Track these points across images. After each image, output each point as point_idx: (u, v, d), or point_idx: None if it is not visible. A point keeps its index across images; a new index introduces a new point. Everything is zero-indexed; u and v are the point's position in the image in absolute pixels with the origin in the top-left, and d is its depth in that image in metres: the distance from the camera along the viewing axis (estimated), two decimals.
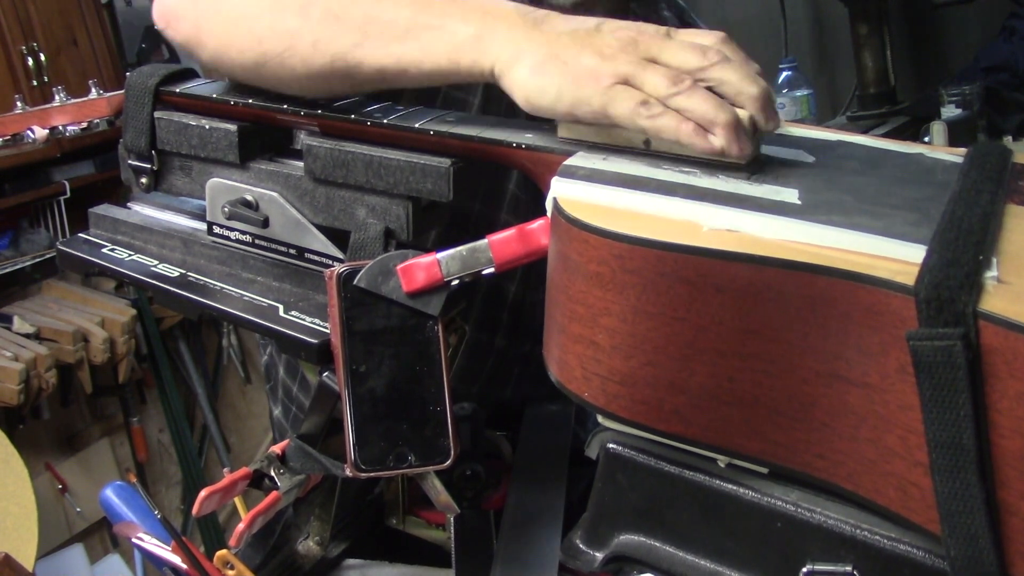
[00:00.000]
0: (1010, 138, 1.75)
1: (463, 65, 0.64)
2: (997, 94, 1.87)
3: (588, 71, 0.59)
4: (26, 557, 1.97)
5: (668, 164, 0.59)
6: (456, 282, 0.60)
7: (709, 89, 0.58)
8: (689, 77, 0.58)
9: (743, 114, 0.58)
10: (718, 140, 0.57)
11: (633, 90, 0.58)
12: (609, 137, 0.62)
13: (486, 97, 0.86)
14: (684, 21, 0.98)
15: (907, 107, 2.04)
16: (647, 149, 0.61)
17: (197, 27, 0.75)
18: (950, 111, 1.82)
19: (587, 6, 0.87)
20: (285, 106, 0.72)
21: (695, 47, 0.60)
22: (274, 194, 0.72)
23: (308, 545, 0.78)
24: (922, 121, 1.71)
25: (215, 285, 0.73)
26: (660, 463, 0.57)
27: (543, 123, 0.65)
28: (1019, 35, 1.98)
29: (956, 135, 1.58)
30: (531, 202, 0.89)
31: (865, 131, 1.78)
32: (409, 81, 0.69)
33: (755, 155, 0.60)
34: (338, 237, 0.71)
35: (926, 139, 1.56)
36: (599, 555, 0.59)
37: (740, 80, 0.59)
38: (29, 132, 0.85)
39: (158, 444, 2.89)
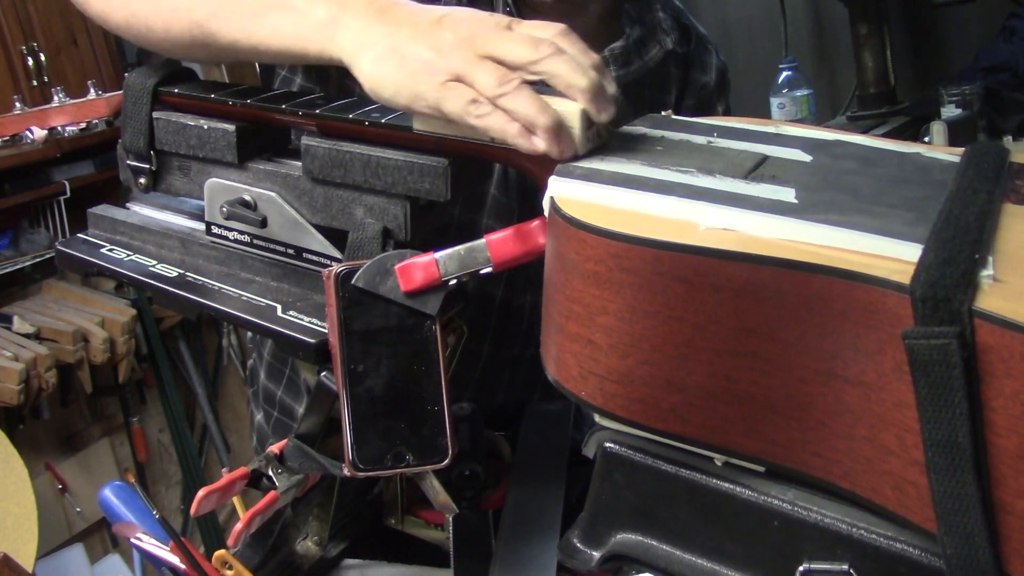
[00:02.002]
0: (1010, 138, 1.74)
1: (311, 50, 0.67)
2: (997, 94, 1.87)
3: (424, 66, 0.61)
4: (26, 557, 1.97)
5: (665, 163, 0.59)
6: (454, 282, 0.60)
7: (541, 83, 0.60)
8: (517, 77, 0.59)
9: (574, 107, 0.59)
10: (540, 142, 0.59)
11: (465, 88, 0.59)
12: (456, 130, 0.63)
13: None
14: (679, 21, 0.98)
15: (907, 107, 2.04)
16: (493, 142, 0.62)
17: None
18: (950, 111, 1.82)
19: (577, 4, 0.87)
20: (283, 106, 0.72)
21: (530, 40, 0.60)
22: (272, 194, 0.72)
23: (307, 545, 0.78)
24: (922, 121, 1.71)
25: (213, 285, 0.73)
26: (657, 462, 0.57)
27: None
28: (1019, 35, 1.97)
29: (956, 135, 1.57)
30: (512, 205, 0.89)
31: (865, 131, 1.78)
32: (262, 58, 0.73)
33: (599, 143, 0.62)
34: (336, 237, 0.71)
35: (926, 139, 1.56)
36: (597, 554, 0.59)
37: (570, 72, 0.59)
38: (28, 132, 0.85)
39: (158, 444, 2.89)
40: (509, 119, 0.59)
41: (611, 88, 0.61)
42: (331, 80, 0.88)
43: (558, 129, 0.59)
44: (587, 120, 0.60)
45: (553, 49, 0.60)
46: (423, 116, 0.64)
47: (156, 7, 0.75)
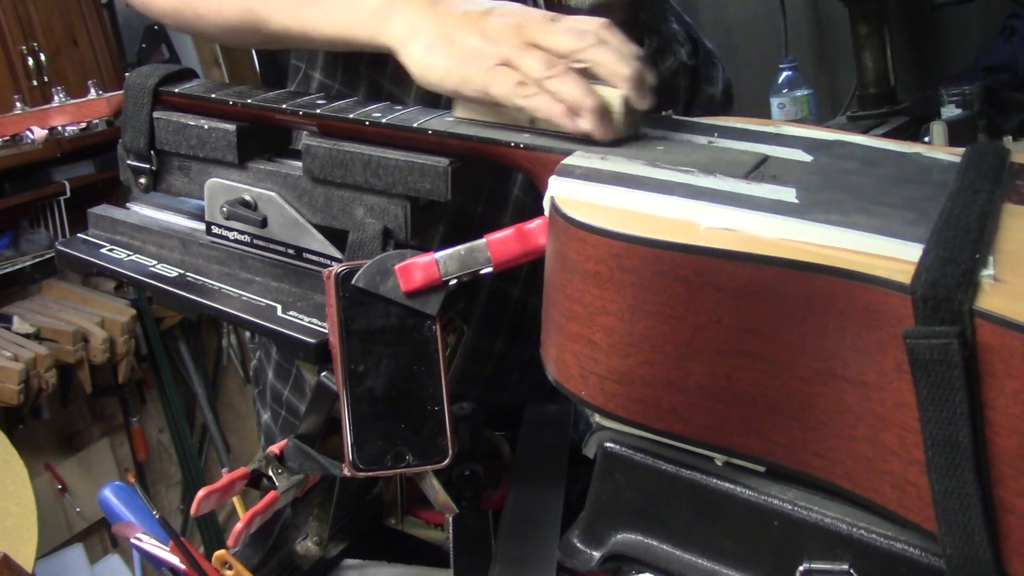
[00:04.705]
0: (1010, 138, 1.74)
1: (361, 37, 0.70)
2: (997, 94, 1.87)
3: (473, 52, 0.64)
4: (26, 557, 1.97)
5: (666, 163, 0.59)
6: (454, 282, 0.60)
7: (585, 71, 0.63)
8: (563, 62, 0.62)
9: (617, 94, 0.63)
10: (584, 123, 0.62)
11: (512, 71, 0.62)
12: (497, 116, 0.66)
13: (420, 97, 0.88)
14: (691, 36, 0.98)
15: (907, 107, 2.04)
16: (532, 127, 0.65)
17: None
18: (950, 111, 1.82)
19: (602, 12, 0.87)
20: (284, 106, 0.72)
21: (574, 31, 0.64)
22: (272, 194, 0.72)
23: (307, 545, 0.78)
24: (922, 121, 1.71)
25: (213, 285, 0.73)
26: (657, 462, 0.57)
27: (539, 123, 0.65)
28: (1019, 35, 1.97)
29: (956, 135, 1.57)
30: (535, 205, 0.89)
31: (865, 131, 1.78)
32: (312, 44, 0.75)
33: (634, 133, 0.65)
34: (336, 237, 0.71)
35: (926, 139, 1.56)
36: (597, 554, 0.59)
37: (613, 61, 0.63)
38: (28, 132, 0.85)
39: (158, 444, 2.89)
40: (554, 100, 0.62)
41: (650, 78, 0.64)
42: (361, 78, 0.88)
43: (602, 112, 0.61)
44: (628, 106, 0.63)
45: (596, 39, 0.63)
46: (468, 101, 0.66)
47: None
